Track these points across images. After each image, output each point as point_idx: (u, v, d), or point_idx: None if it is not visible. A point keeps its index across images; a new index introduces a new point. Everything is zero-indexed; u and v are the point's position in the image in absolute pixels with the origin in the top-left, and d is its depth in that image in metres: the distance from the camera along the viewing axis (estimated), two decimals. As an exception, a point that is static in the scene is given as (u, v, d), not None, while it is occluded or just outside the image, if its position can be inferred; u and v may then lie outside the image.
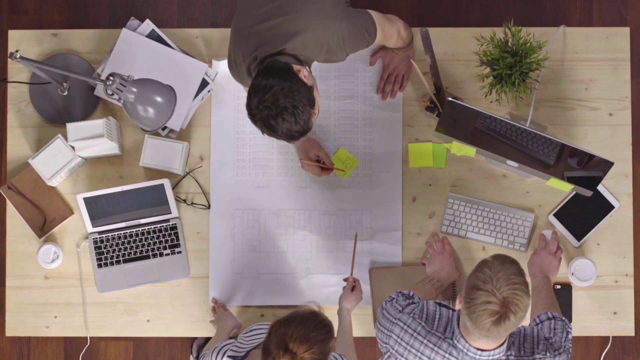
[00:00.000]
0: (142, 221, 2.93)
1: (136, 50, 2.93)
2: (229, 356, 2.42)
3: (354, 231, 2.93)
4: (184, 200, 2.95)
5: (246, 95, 2.93)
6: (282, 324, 2.24)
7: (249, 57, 2.53)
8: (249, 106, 2.43)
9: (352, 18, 2.55)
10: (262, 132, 2.46)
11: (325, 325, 2.26)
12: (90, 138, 2.81)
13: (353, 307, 2.79)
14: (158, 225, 2.93)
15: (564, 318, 2.54)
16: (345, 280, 2.84)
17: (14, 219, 2.95)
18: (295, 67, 2.45)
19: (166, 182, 2.89)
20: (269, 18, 2.49)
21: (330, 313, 2.92)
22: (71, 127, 2.82)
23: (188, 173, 2.95)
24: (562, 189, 2.75)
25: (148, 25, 2.96)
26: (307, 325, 2.23)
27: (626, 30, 2.97)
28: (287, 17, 2.48)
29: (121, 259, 2.92)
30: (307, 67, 2.52)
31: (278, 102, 2.38)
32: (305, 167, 2.91)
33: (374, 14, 2.61)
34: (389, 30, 2.68)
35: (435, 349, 2.35)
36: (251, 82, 2.43)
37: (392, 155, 2.95)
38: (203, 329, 2.93)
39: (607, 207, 2.91)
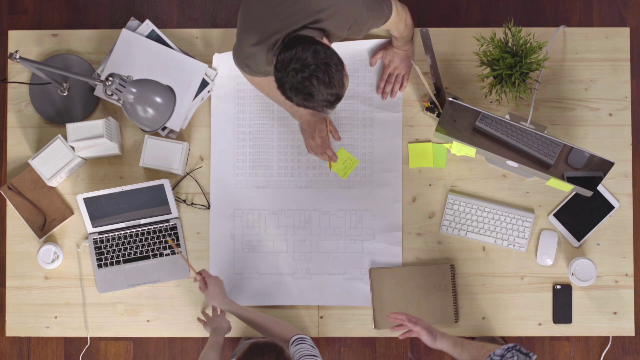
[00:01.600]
0: (142, 221, 2.93)
1: (136, 51, 2.93)
2: None
3: (354, 231, 2.93)
4: (184, 201, 2.95)
5: (241, 97, 2.92)
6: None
7: (268, 42, 2.46)
8: (278, 78, 2.34)
9: None
10: (297, 103, 2.35)
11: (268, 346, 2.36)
12: (90, 138, 2.81)
13: (222, 291, 2.74)
14: (158, 226, 2.93)
15: (514, 347, 2.46)
16: (195, 280, 2.78)
17: (14, 219, 2.95)
18: (317, 38, 2.40)
19: (166, 183, 2.89)
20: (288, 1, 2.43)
21: (331, 313, 2.92)
22: (71, 127, 2.82)
23: (188, 173, 2.95)
24: (562, 189, 2.75)
25: (148, 26, 2.96)
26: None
27: (626, 31, 2.97)
28: None
29: (121, 259, 2.92)
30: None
31: (307, 62, 2.30)
32: (310, 149, 2.91)
33: None
34: (400, 11, 2.66)
35: None
36: (275, 61, 2.35)
37: (392, 156, 2.95)
38: (203, 329, 2.93)
39: (607, 207, 2.91)
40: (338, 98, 2.36)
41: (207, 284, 2.75)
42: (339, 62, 2.34)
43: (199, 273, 2.76)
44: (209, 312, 2.92)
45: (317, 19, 2.44)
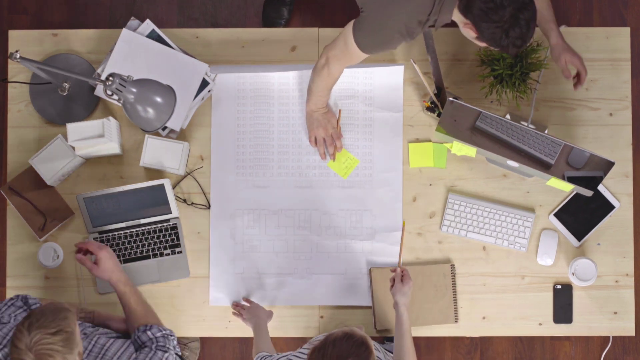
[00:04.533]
0: (143, 221, 2.92)
1: (136, 51, 2.93)
2: None
3: (354, 231, 2.93)
4: (184, 200, 2.94)
5: (239, 99, 2.91)
6: (318, 352, 2.25)
7: (427, 14, 2.44)
8: (499, 21, 2.31)
9: None
10: (518, 44, 2.35)
11: (362, 344, 2.25)
12: (90, 138, 2.81)
13: (408, 299, 2.68)
14: (158, 225, 2.93)
15: None
16: (392, 271, 2.74)
17: (14, 219, 2.95)
18: None
19: (166, 182, 2.89)
20: None
21: (331, 312, 2.92)
22: (71, 127, 2.81)
23: (188, 173, 2.95)
24: (562, 189, 2.75)
25: (148, 25, 2.96)
26: (342, 349, 2.23)
27: (626, 30, 2.97)
28: None
29: (121, 259, 2.92)
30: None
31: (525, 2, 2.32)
32: (314, 141, 2.91)
33: None
34: None
35: None
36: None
37: (393, 155, 2.95)
38: (203, 328, 2.93)
39: (608, 207, 2.91)
40: (527, 43, 2.38)
41: (405, 277, 2.71)
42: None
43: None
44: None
45: None
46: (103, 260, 2.64)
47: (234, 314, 2.88)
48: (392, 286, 2.71)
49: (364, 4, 2.52)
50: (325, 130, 2.90)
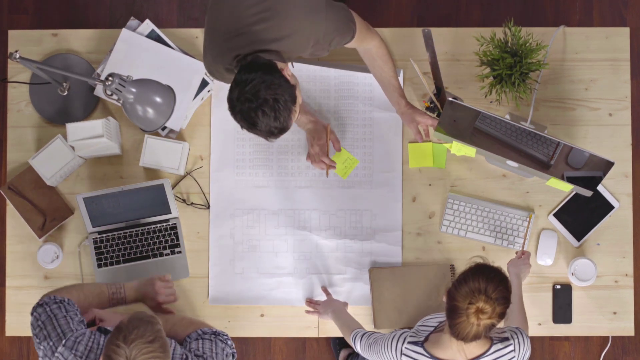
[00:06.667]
0: (142, 221, 2.92)
1: (136, 50, 2.93)
2: (409, 342, 2.48)
3: (354, 231, 2.93)
4: (184, 200, 2.95)
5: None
6: (458, 285, 2.33)
7: (229, 57, 2.49)
8: (229, 99, 2.38)
9: (335, 9, 2.54)
10: (242, 127, 2.41)
11: (495, 268, 2.36)
12: (90, 138, 2.81)
13: (521, 272, 2.74)
14: (158, 225, 2.93)
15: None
16: (516, 252, 2.82)
17: (14, 219, 2.95)
18: (279, 64, 2.42)
19: (166, 182, 2.89)
20: (254, 22, 2.45)
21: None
22: (71, 127, 2.82)
23: (188, 173, 2.95)
24: (562, 189, 2.75)
25: (148, 25, 2.96)
26: (482, 273, 2.33)
27: (626, 30, 2.97)
28: (273, 22, 2.45)
29: (121, 259, 2.92)
30: (290, 64, 2.48)
31: (259, 94, 2.33)
32: (310, 159, 2.91)
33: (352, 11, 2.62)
34: (364, 29, 2.67)
35: None
36: (234, 77, 2.39)
37: (392, 155, 2.95)
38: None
39: (607, 207, 2.91)
40: (282, 131, 2.40)
41: (525, 257, 2.77)
42: (289, 99, 2.37)
43: None
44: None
45: (279, 45, 2.46)
46: (105, 314, 2.59)
47: (308, 312, 2.89)
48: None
49: None
50: (312, 148, 2.89)
